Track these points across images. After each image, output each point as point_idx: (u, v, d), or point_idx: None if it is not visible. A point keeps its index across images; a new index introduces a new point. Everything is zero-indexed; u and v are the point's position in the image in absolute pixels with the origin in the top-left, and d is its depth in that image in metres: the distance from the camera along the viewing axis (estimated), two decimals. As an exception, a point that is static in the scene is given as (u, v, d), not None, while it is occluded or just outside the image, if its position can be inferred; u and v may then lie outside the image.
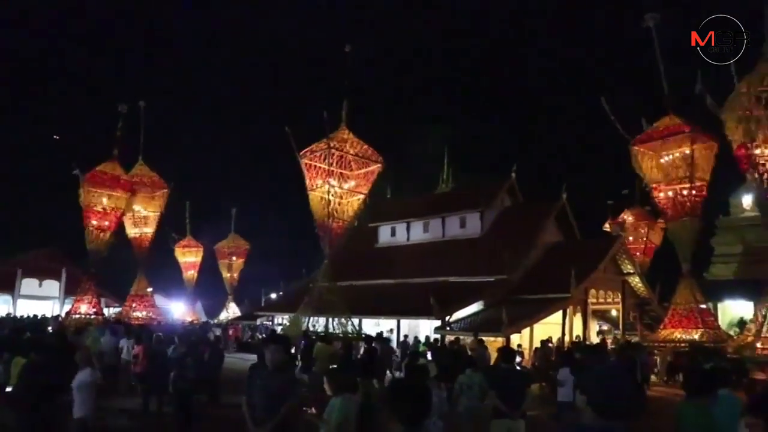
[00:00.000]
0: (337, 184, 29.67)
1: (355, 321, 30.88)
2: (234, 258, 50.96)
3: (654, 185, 28.42)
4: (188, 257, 50.58)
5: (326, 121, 28.39)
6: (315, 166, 29.64)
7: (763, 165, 22.63)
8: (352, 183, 30.34)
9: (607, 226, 39.61)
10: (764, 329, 22.80)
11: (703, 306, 28.21)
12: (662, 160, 28.13)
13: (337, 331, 27.59)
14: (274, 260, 54.43)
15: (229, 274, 50.86)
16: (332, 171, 29.30)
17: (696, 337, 26.23)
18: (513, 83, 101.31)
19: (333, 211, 29.44)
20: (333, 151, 28.99)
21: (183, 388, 11.78)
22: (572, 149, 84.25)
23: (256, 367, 6.84)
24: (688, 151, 27.19)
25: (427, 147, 49.36)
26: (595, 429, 2.98)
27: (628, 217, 39.47)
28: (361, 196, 30.77)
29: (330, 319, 28.54)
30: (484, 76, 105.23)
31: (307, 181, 29.77)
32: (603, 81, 78.36)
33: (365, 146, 30.12)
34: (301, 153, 29.35)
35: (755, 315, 24.09)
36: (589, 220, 39.76)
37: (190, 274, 50.46)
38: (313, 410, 6.40)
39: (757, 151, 22.54)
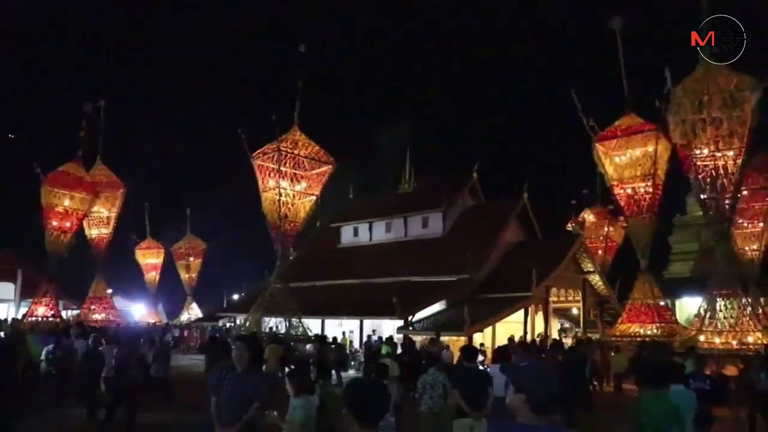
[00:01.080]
0: (288, 186, 29.57)
1: (317, 322, 30.92)
2: (191, 258, 50.27)
3: (614, 183, 28.89)
4: (149, 259, 49.94)
5: (275, 124, 28.36)
6: (267, 167, 29.55)
7: (704, 166, 23.14)
8: (303, 184, 30.24)
9: (570, 226, 39.97)
10: (706, 323, 23.33)
11: (662, 302, 28.80)
12: (622, 159, 28.63)
13: (293, 332, 27.67)
14: (236, 261, 53.82)
15: (187, 275, 50.19)
16: (284, 172, 29.24)
17: (653, 332, 26.79)
18: (475, 83, 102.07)
19: (285, 213, 29.39)
20: (283, 152, 28.93)
21: (126, 387, 11.65)
22: (535, 148, 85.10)
23: (224, 368, 6.75)
24: (649, 149, 27.74)
25: (389, 147, 49.35)
26: (530, 428, 3.00)
27: (588, 215, 39.90)
28: (313, 197, 30.71)
29: (285, 321, 28.58)
30: (446, 76, 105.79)
31: (260, 183, 29.71)
32: (567, 80, 79.40)
33: (316, 147, 30.05)
34: (253, 155, 29.28)
35: (699, 310, 24.64)
36: (553, 219, 40.12)
37: (152, 275, 49.77)
38: (275, 413, 6.34)
39: (697, 152, 23.06)
